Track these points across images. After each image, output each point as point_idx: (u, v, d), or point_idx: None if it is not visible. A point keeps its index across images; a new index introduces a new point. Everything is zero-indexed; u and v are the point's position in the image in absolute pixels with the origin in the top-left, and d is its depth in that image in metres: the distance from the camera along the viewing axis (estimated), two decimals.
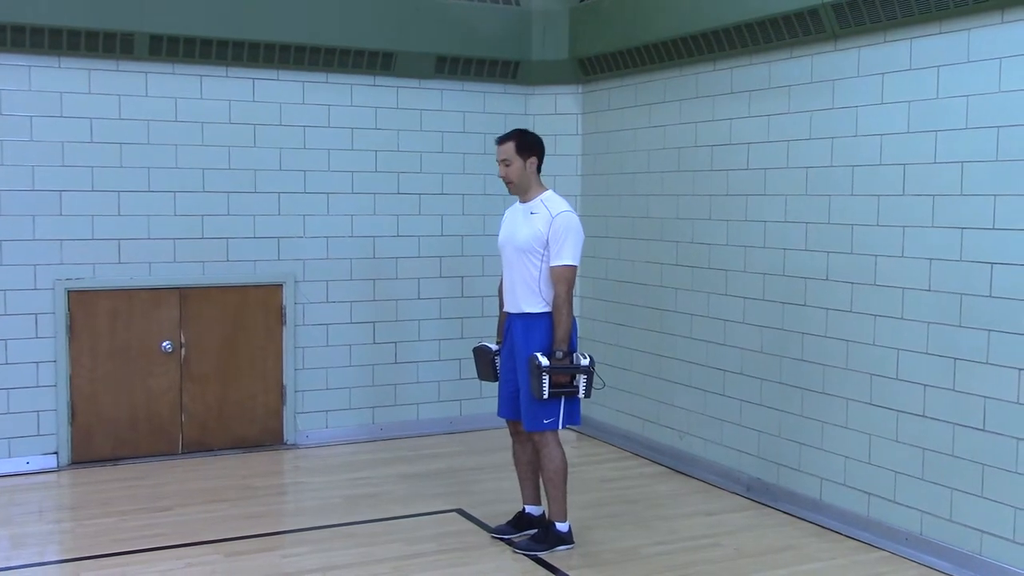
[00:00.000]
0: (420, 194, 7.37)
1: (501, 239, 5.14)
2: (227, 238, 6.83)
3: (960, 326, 4.76)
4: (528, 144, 5.06)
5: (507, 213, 5.20)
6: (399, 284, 7.37)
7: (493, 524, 5.38)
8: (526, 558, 4.98)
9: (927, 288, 4.91)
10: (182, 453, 6.79)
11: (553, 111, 7.72)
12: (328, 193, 7.10)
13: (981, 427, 4.67)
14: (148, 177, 6.59)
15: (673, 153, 6.67)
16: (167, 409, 6.74)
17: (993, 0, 4.52)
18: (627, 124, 7.14)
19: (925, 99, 4.90)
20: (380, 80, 7.21)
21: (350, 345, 7.25)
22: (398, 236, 7.33)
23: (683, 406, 6.63)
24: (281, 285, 7.01)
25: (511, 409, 5.13)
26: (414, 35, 7.08)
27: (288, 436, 7.09)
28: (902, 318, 5.04)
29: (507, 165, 5.02)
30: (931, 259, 4.89)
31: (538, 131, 7.74)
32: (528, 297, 4.94)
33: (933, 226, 4.88)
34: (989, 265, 4.62)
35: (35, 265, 6.34)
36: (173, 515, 5.60)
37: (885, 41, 5.11)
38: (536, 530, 5.17)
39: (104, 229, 6.49)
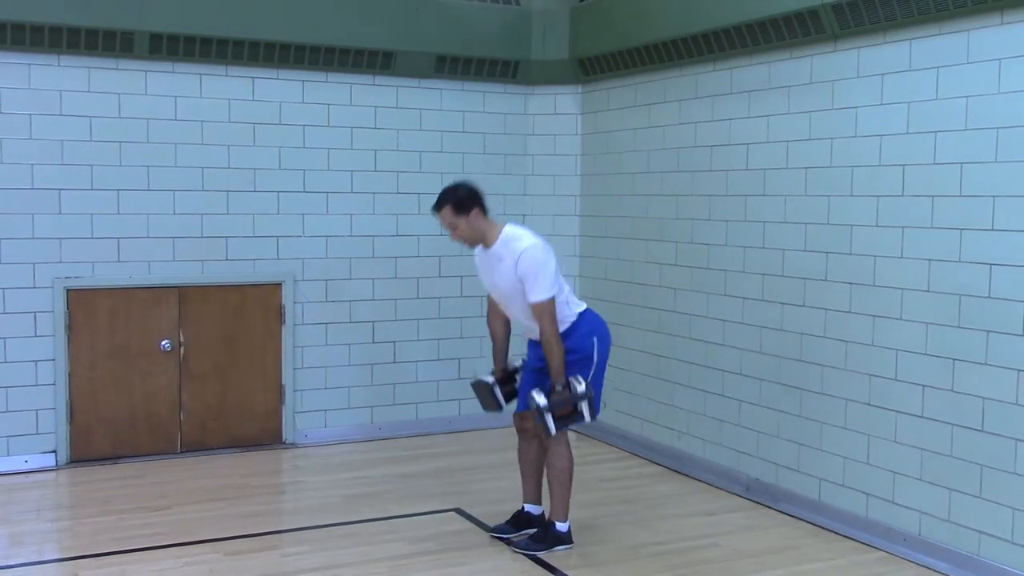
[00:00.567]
0: (420, 194, 7.37)
1: (487, 285, 5.13)
2: (226, 237, 6.83)
3: (959, 327, 4.76)
4: (462, 201, 4.89)
5: (476, 259, 5.14)
6: (398, 283, 7.37)
7: (492, 523, 5.38)
8: (525, 557, 4.98)
9: (926, 289, 4.91)
10: (181, 452, 6.78)
11: (553, 111, 7.72)
12: (327, 192, 7.10)
13: (980, 428, 4.68)
14: (147, 176, 6.58)
15: (672, 153, 6.67)
16: (166, 408, 6.74)
17: (992, 1, 4.52)
18: (627, 124, 7.14)
19: (925, 100, 4.90)
20: (380, 79, 7.21)
21: (349, 344, 7.25)
22: (397, 235, 7.33)
23: (682, 406, 6.63)
24: (280, 284, 7.01)
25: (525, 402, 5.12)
26: (414, 35, 7.08)
27: (287, 435, 7.09)
28: (901, 319, 5.05)
29: (454, 229, 4.92)
30: (930, 260, 4.89)
31: (537, 131, 7.87)
32: (536, 325, 4.94)
33: (932, 227, 4.88)
34: (988, 266, 4.62)
35: (34, 264, 6.34)
36: (172, 514, 5.60)
37: (885, 42, 5.11)
38: (535, 529, 5.17)
39: (103, 228, 6.49)
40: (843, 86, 5.36)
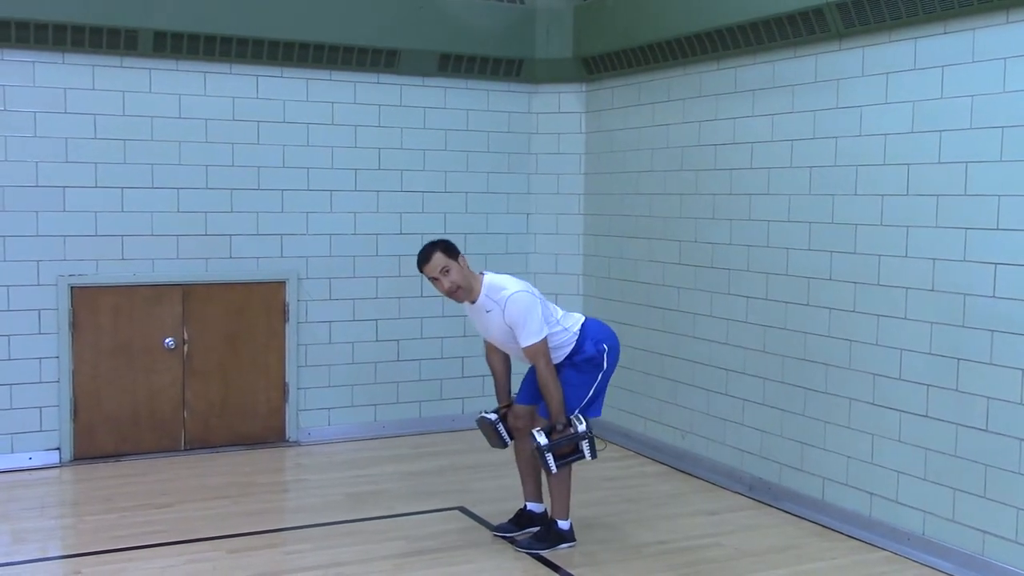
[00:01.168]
0: (423, 192, 7.37)
1: (482, 334, 5.18)
2: (230, 235, 6.83)
3: (963, 326, 4.75)
4: (449, 247, 4.89)
5: (467, 311, 5.13)
6: (402, 282, 7.37)
7: (495, 522, 5.38)
8: (528, 556, 4.98)
9: (930, 288, 4.91)
10: (184, 450, 6.79)
11: (556, 109, 7.72)
12: (331, 190, 7.11)
13: (984, 427, 4.67)
14: (151, 174, 6.59)
15: (676, 152, 6.66)
16: (169, 406, 6.75)
17: (998, 0, 4.51)
18: (630, 123, 7.13)
19: (929, 99, 4.90)
20: (384, 78, 7.21)
21: (352, 343, 7.25)
22: (401, 234, 7.33)
23: (685, 405, 6.63)
24: (284, 282, 7.01)
25: (529, 395, 5.12)
26: (418, 33, 7.08)
27: (290, 433, 7.10)
28: (905, 318, 5.04)
29: (446, 273, 4.82)
30: (934, 259, 4.88)
31: (541, 130, 7.87)
32: None
33: (937, 226, 4.87)
34: (993, 265, 4.61)
35: (38, 261, 6.35)
36: (175, 511, 5.60)
37: (890, 41, 5.10)
38: (538, 528, 5.17)
39: (107, 225, 6.49)
40: (848, 85, 5.35)
